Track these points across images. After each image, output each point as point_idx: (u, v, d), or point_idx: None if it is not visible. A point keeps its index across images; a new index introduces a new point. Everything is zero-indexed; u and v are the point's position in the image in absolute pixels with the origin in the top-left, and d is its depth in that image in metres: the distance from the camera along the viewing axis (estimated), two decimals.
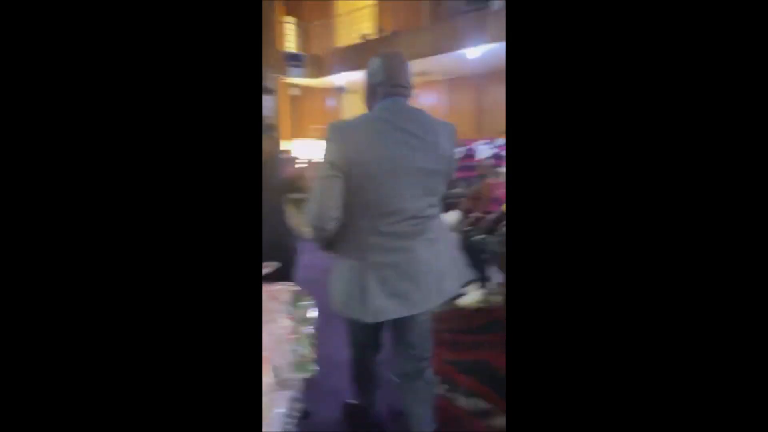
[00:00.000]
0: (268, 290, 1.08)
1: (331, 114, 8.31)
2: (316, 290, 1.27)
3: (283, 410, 0.84)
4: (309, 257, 1.84)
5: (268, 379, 0.80)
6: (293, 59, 7.26)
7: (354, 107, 8.99)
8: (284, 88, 7.99)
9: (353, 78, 7.32)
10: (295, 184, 1.61)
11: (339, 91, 8.59)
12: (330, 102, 8.67)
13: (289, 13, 7.99)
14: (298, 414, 1.03)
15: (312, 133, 8.17)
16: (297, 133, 8.02)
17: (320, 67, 7.59)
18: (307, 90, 8.55)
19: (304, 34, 7.91)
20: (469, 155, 5.40)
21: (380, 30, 6.86)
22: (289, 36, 8.13)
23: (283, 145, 5.90)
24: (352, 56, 6.86)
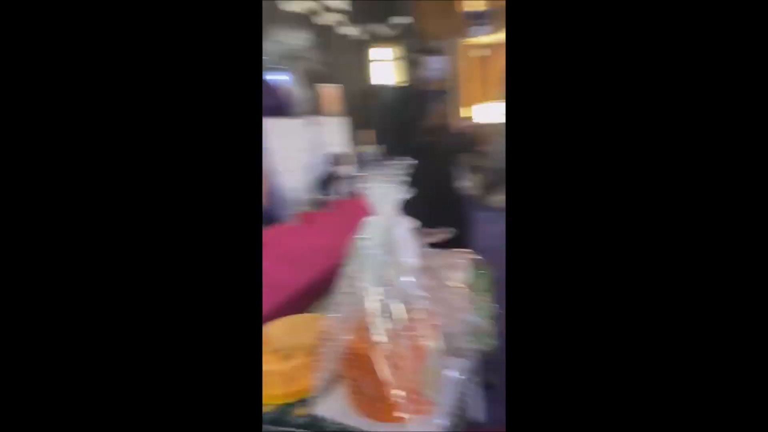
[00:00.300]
0: (443, 257, 1.09)
1: None
2: (495, 259, 1.20)
3: (456, 374, 0.84)
4: (486, 227, 1.75)
5: (438, 344, 0.80)
6: (476, 18, 6.89)
7: None
8: (465, 51, 7.73)
9: None
10: (470, 148, 1.54)
11: None
12: None
13: None
14: (479, 384, 1.01)
15: (499, 95, 7.65)
16: (485, 96, 7.70)
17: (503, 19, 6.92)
18: (499, 46, 8.00)
19: None
20: None
21: None
22: None
23: (467, 111, 5.77)
24: None
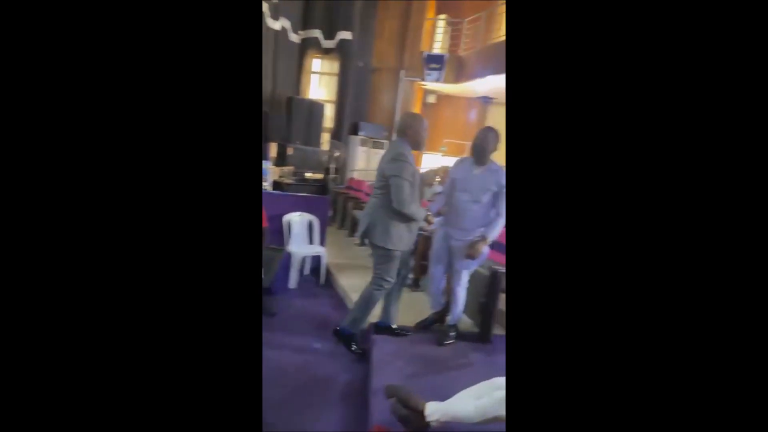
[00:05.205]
0: None
1: (470, 128, 7.33)
2: None
3: None
4: None
5: None
6: (431, 61, 6.62)
7: (500, 121, 7.79)
8: (421, 94, 7.46)
9: (502, 84, 6.22)
10: None
11: (484, 101, 7.58)
12: (471, 114, 7.75)
13: (440, 11, 7.46)
14: None
15: (441, 147, 7.38)
16: (427, 146, 7.33)
17: (461, 71, 6.75)
18: (445, 98, 7.83)
19: (456, 33, 7.24)
20: None
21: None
22: (438, 36, 7.60)
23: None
24: (503, 54, 5.77)
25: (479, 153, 1.79)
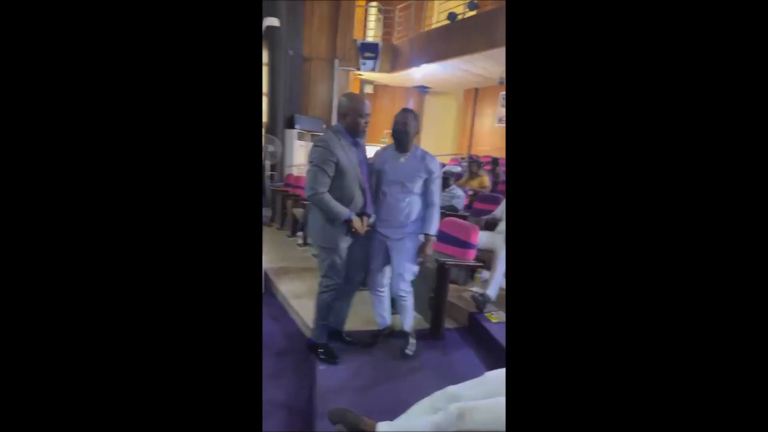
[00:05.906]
0: None
1: None
2: None
3: None
4: None
5: None
6: (365, 49, 6.47)
7: (438, 111, 7.90)
8: (358, 84, 7.29)
9: (437, 72, 6.26)
10: None
11: (421, 91, 7.60)
12: (409, 104, 7.74)
13: None
14: None
15: (382, 139, 7.31)
16: (368, 137, 7.20)
17: (396, 59, 6.69)
18: (383, 88, 7.74)
19: (388, 21, 7.13)
20: None
21: (474, 6, 5.66)
22: (370, 24, 7.45)
23: None
24: (437, 42, 5.81)
25: (402, 138, 1.59)
